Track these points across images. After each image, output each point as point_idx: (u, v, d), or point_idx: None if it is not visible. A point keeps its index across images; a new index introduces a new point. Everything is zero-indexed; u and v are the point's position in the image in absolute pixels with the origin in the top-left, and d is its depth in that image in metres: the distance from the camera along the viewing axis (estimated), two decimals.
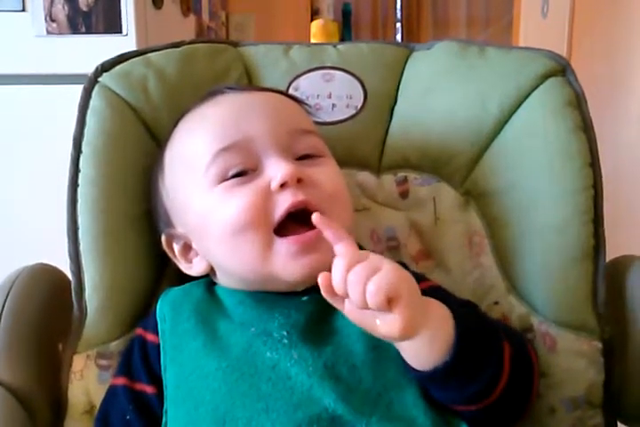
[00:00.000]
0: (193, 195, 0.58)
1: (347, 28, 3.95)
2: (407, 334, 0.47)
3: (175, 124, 0.63)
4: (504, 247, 0.65)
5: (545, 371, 0.60)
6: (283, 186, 0.54)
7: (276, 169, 0.54)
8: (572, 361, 0.60)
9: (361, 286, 0.45)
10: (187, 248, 0.62)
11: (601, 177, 0.62)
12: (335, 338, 0.54)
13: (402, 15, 4.16)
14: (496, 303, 0.65)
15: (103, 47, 1.32)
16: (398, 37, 4.22)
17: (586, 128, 0.63)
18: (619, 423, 0.62)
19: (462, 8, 4.04)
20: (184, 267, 0.62)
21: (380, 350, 0.53)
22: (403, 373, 0.52)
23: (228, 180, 0.56)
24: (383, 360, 0.53)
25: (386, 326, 0.46)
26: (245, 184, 0.55)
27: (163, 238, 0.63)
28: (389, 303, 0.45)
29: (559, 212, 0.61)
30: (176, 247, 0.62)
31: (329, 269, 0.55)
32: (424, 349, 0.49)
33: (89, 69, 1.24)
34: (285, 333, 0.54)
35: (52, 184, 1.29)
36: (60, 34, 1.34)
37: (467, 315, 0.52)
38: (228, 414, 0.50)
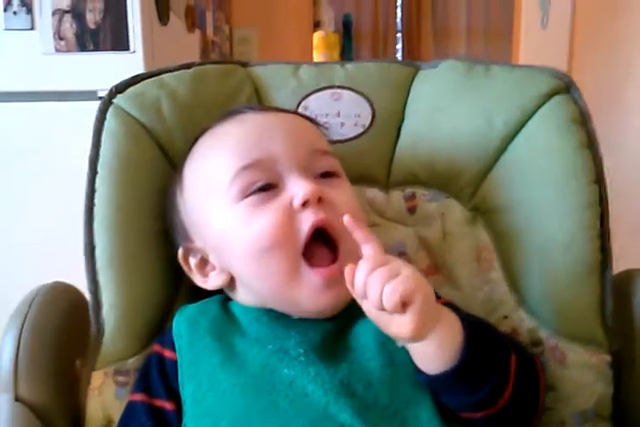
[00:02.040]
0: (214, 211, 0.59)
1: (347, 39, 3.98)
2: (416, 337, 0.50)
3: (195, 141, 0.65)
4: (512, 262, 0.67)
5: (554, 384, 0.61)
6: (304, 204, 0.55)
7: (297, 187, 0.56)
8: (582, 374, 0.61)
9: (379, 288, 0.48)
10: (203, 262, 0.63)
11: (606, 193, 0.63)
12: (350, 355, 0.55)
13: (402, 26, 4.19)
14: (505, 317, 0.66)
15: (111, 64, 1.33)
16: (399, 47, 4.25)
17: (591, 145, 0.64)
18: None
19: (462, 19, 4.06)
20: (199, 281, 0.63)
21: (396, 367, 0.54)
22: (417, 390, 0.54)
23: (250, 195, 0.57)
24: (398, 378, 0.54)
25: (398, 326, 0.49)
26: (268, 202, 0.56)
27: (180, 252, 0.64)
28: (403, 306, 0.48)
29: (565, 228, 0.63)
30: (192, 261, 0.63)
31: (351, 302, 0.56)
32: (432, 352, 0.51)
33: (97, 86, 1.26)
34: (302, 350, 0.55)
35: (62, 200, 1.31)
36: (69, 51, 1.36)
37: (476, 325, 0.55)
38: None
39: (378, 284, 0.49)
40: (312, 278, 0.55)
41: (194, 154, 0.64)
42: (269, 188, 0.57)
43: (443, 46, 4.04)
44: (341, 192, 0.59)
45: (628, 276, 0.64)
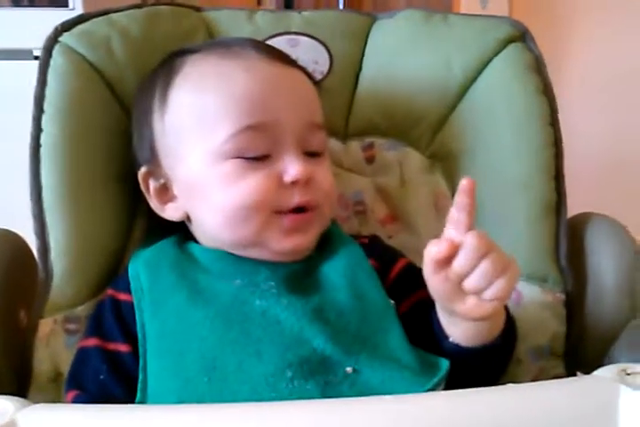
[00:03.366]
0: (197, 150, 0.57)
1: None
2: (484, 319, 0.50)
3: (177, 55, 0.61)
4: None
5: None
6: (293, 182, 0.55)
7: (291, 165, 0.55)
8: (538, 313, 0.63)
9: (490, 277, 0.47)
10: (164, 189, 0.60)
11: (561, 136, 0.65)
12: (320, 290, 0.56)
13: (344, 6, 4.18)
14: None
15: (48, 21, 1.24)
16: None
17: (546, 90, 0.66)
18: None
19: (402, 0, 4.10)
20: (156, 207, 0.61)
21: (364, 301, 0.55)
22: (386, 320, 0.55)
23: (243, 158, 0.55)
24: (367, 310, 0.55)
25: (474, 307, 0.49)
26: (258, 170, 0.55)
27: (142, 171, 0.61)
28: None
29: (524, 168, 0.64)
30: (152, 185, 0.61)
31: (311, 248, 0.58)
32: (484, 330, 0.52)
33: (33, 45, 1.19)
34: (273, 283, 0.55)
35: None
36: (1, 7, 1.28)
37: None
38: (218, 359, 0.50)
39: (492, 273, 0.47)
40: (281, 222, 0.56)
41: (186, 77, 0.59)
42: (263, 158, 0.56)
43: None
44: (324, 171, 0.59)
45: (583, 218, 0.65)
